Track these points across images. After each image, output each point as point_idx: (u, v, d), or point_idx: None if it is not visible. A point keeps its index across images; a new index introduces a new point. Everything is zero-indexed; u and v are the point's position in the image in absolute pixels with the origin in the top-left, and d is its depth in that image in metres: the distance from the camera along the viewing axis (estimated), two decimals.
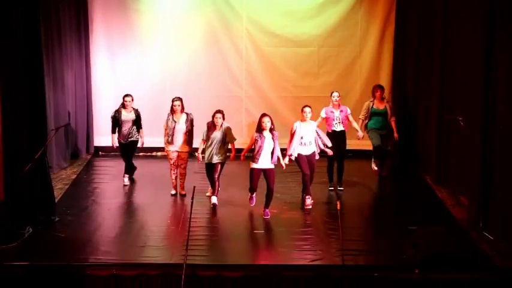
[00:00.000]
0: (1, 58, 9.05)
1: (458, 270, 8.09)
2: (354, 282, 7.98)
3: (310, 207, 10.08)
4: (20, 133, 9.24)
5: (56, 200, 10.24)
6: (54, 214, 9.61)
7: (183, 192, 10.76)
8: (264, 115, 9.82)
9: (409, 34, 12.51)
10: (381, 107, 11.37)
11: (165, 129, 10.70)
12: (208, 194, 10.52)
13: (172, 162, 10.70)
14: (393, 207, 10.40)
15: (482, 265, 8.25)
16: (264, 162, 9.75)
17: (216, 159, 10.18)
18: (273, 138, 9.72)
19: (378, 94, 11.39)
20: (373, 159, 11.79)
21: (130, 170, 11.45)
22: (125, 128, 11.09)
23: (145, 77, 13.24)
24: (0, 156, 9.27)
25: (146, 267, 8.14)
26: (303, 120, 10.14)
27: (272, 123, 9.75)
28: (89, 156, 13.11)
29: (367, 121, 11.47)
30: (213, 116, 10.21)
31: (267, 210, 9.87)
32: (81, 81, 12.99)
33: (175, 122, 10.57)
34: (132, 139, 11.18)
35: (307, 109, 10.12)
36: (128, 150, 11.30)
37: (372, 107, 11.41)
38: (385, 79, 13.16)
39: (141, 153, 12.77)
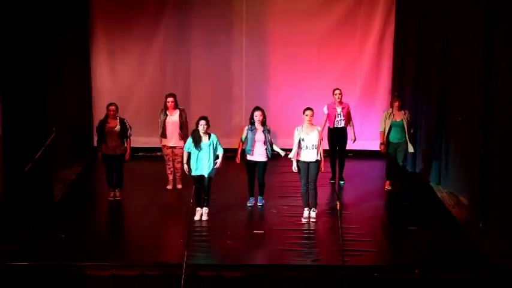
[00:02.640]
0: (1, 58, 9.05)
1: (458, 270, 8.10)
2: (354, 282, 7.98)
3: (314, 220, 9.71)
4: (20, 133, 9.23)
5: (56, 200, 10.24)
6: (54, 214, 9.60)
7: (180, 186, 10.90)
8: (256, 109, 10.12)
9: (409, 34, 12.50)
10: (399, 118, 10.81)
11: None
12: (198, 217, 9.71)
13: (167, 157, 10.77)
14: (393, 207, 10.40)
15: (482, 265, 8.25)
16: (257, 154, 10.03)
17: (208, 172, 9.67)
18: (264, 132, 10.02)
19: (396, 104, 10.85)
20: (387, 180, 11.14)
21: (119, 183, 10.45)
22: (111, 140, 10.18)
23: (145, 77, 13.24)
24: (0, 156, 9.26)
25: (146, 267, 8.14)
26: (308, 122, 9.67)
27: (264, 117, 10.05)
28: (89, 156, 13.09)
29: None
30: (197, 124, 9.61)
31: (260, 197, 10.29)
32: (81, 81, 12.98)
33: (167, 115, 10.69)
34: (120, 152, 10.27)
35: (308, 112, 9.70)
36: (116, 164, 10.32)
37: (391, 118, 10.84)
38: (385, 79, 13.17)
39: (141, 153, 12.77)
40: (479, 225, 9.30)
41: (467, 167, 10.11)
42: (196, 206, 9.64)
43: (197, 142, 9.54)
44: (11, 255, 8.31)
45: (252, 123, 10.09)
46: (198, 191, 9.52)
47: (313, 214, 9.78)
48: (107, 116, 10.28)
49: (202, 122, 9.56)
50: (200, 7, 13.07)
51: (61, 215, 9.76)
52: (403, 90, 12.69)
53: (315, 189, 9.73)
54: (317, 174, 9.73)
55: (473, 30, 9.79)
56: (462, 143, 10.46)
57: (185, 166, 9.71)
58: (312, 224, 9.62)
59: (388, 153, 10.95)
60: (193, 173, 9.61)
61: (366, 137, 12.57)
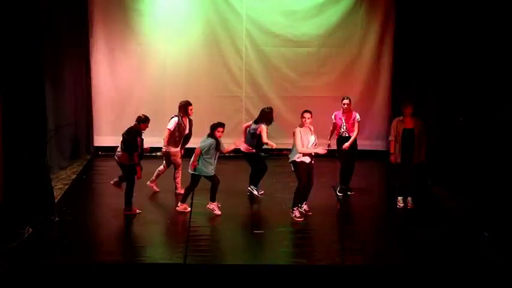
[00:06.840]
0: (1, 58, 9.06)
1: (458, 270, 8.10)
2: (354, 282, 7.98)
3: (309, 213, 9.89)
4: (20, 133, 9.23)
5: (56, 200, 10.23)
6: (54, 214, 9.61)
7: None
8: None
9: (409, 34, 12.52)
10: (411, 126, 10.04)
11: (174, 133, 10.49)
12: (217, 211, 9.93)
13: (178, 165, 10.65)
14: (393, 207, 10.39)
15: (481, 265, 8.25)
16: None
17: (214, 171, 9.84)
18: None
19: (406, 111, 10.06)
20: (397, 196, 10.40)
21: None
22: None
23: (145, 77, 13.25)
24: (0, 155, 9.27)
25: (146, 267, 8.15)
26: (302, 125, 9.58)
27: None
28: (88, 156, 13.11)
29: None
30: (218, 131, 9.63)
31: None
32: (81, 81, 13.00)
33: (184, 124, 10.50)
34: None
35: (306, 115, 9.59)
36: None
37: (403, 125, 10.08)
38: (385, 79, 13.18)
39: None
40: (480, 225, 9.30)
41: (467, 167, 10.11)
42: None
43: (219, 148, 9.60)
44: (11, 255, 8.32)
45: (268, 123, 10.38)
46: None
47: (305, 207, 9.90)
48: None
49: (221, 129, 9.62)
50: (200, 7, 13.08)
51: (61, 215, 9.76)
52: (403, 90, 12.71)
53: (311, 185, 9.87)
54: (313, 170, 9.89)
55: (473, 29, 9.79)
56: (462, 142, 10.46)
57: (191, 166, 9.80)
58: (311, 224, 9.63)
59: (400, 165, 10.16)
60: (212, 173, 9.66)
61: (365, 137, 12.57)
